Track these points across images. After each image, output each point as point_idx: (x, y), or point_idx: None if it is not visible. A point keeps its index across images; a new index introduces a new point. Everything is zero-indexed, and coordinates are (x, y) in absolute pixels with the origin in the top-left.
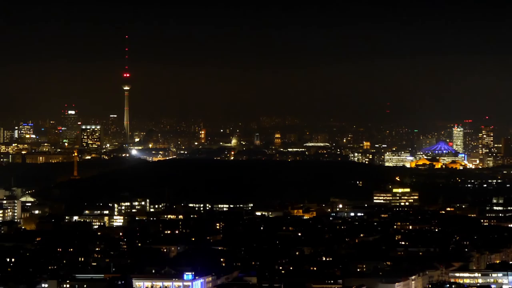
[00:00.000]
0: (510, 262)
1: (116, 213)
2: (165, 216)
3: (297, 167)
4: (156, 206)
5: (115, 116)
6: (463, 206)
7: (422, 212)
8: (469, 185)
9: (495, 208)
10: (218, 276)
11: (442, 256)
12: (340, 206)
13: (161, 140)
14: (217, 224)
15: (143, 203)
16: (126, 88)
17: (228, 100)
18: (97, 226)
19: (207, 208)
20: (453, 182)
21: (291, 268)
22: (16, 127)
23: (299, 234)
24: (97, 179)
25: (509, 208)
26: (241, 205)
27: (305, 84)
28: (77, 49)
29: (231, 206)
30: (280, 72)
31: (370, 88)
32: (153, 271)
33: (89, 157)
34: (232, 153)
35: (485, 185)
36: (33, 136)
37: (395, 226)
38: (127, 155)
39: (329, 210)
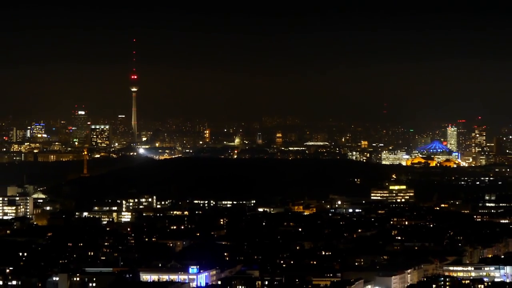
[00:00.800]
0: (502, 256)
1: (124, 209)
2: (171, 212)
3: (298, 165)
4: (163, 202)
5: (123, 116)
6: (457, 203)
7: (417, 209)
8: (462, 183)
9: (487, 204)
10: (222, 270)
11: (436, 251)
12: (339, 202)
13: (167, 139)
14: (221, 220)
15: (150, 199)
16: (134, 89)
17: (231, 101)
18: (106, 222)
19: (211, 204)
20: (447, 179)
21: (292, 262)
22: (29, 127)
23: (300, 229)
24: (106, 177)
25: (501, 204)
26: (244, 202)
27: (305, 86)
28: (87, 52)
29: (234, 202)
30: (281, 75)
31: (367, 90)
32: (160, 265)
33: (98, 156)
34: (236, 151)
35: (477, 183)
36: (45, 135)
37: (391, 222)
38: (135, 153)
39: (328, 206)
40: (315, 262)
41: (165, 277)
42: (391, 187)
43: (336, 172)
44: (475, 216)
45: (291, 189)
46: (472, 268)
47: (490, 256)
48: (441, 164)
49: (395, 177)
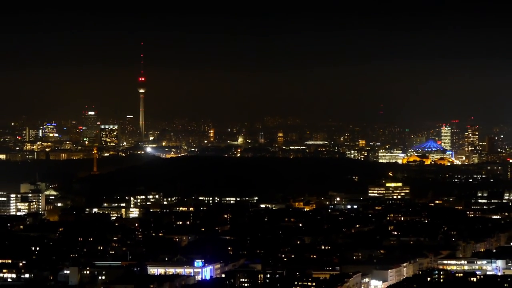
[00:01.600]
0: (494, 251)
1: (132, 205)
2: (177, 208)
3: (298, 163)
4: (169, 199)
5: (131, 116)
6: (451, 199)
7: (412, 205)
8: (456, 180)
9: (479, 201)
10: (225, 264)
11: (431, 245)
12: (338, 199)
13: (173, 138)
14: (225, 216)
15: (157, 196)
16: (142, 91)
17: (235, 102)
18: (114, 218)
19: (216, 201)
20: (441, 177)
21: (292, 256)
22: (41, 127)
23: (300, 224)
24: (115, 175)
25: (492, 201)
26: (247, 198)
27: (306, 87)
28: (97, 55)
29: (238, 199)
30: (282, 76)
31: (365, 91)
32: (166, 259)
33: (107, 154)
34: (239, 150)
35: (470, 180)
36: (56, 135)
37: (388, 218)
38: (142, 152)
39: (327, 202)
40: (315, 256)
41: (171, 271)
42: (387, 184)
43: (335, 170)
44: (468, 212)
45: (292, 186)
46: (465, 262)
47: (482, 250)
48: (435, 162)
49: (391, 174)
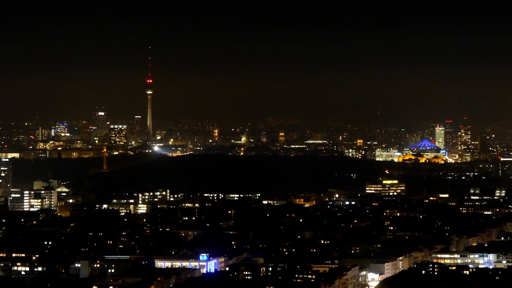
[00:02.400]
0: (486, 245)
1: (140, 201)
2: (183, 205)
3: (299, 161)
4: (175, 195)
5: (139, 117)
6: (444, 196)
7: (408, 201)
8: (449, 178)
9: (472, 197)
10: (229, 257)
11: (425, 240)
12: (337, 195)
13: (179, 138)
14: (229, 212)
15: (164, 193)
16: (149, 92)
17: (238, 103)
18: (123, 213)
19: (220, 197)
20: (435, 174)
21: (293, 250)
22: (53, 127)
23: (301, 220)
24: (124, 172)
25: (484, 197)
26: (250, 195)
27: (306, 89)
28: (107, 58)
29: (241, 195)
30: (284, 79)
31: (363, 93)
32: (173, 253)
33: (116, 153)
34: (242, 149)
35: (463, 177)
36: (68, 134)
37: (384, 213)
38: (150, 151)
39: (327, 199)
40: (314, 250)
41: (177, 264)
42: (384, 182)
43: (334, 168)
44: (461, 208)
45: (293, 183)
46: (458, 256)
47: (474, 244)
48: (430, 160)
49: (388, 172)
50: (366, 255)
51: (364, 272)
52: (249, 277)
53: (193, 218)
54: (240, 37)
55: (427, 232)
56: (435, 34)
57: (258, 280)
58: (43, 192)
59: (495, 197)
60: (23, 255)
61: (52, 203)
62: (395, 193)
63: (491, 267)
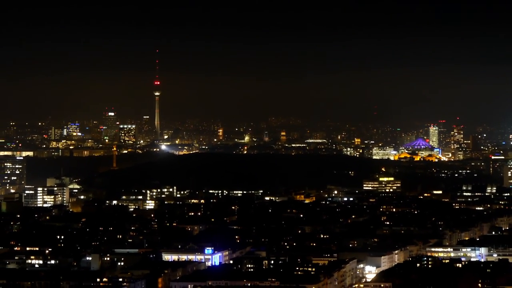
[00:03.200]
0: (477, 239)
1: (148, 198)
2: (189, 201)
3: (299, 159)
4: (182, 192)
5: (148, 117)
6: (438, 192)
7: (403, 197)
8: (442, 175)
9: (464, 194)
10: (233, 251)
11: (420, 234)
12: (335, 192)
13: (186, 137)
14: (233, 207)
15: (171, 189)
16: (157, 94)
17: (242, 104)
18: (132, 209)
19: (224, 194)
20: (429, 172)
21: (294, 244)
22: (65, 126)
23: (301, 215)
24: (132, 170)
25: (476, 194)
26: (253, 191)
27: (306, 91)
28: (116, 61)
29: (244, 192)
30: (285, 81)
31: (360, 94)
32: (179, 246)
33: (125, 152)
34: (245, 148)
35: (456, 175)
36: (79, 134)
37: (381, 209)
38: (158, 149)
39: (326, 195)
40: (314, 244)
41: (184, 257)
42: (380, 179)
43: (332, 166)
44: (453, 204)
45: (294, 180)
46: (451, 249)
47: (467, 238)
48: (424, 158)
49: (384, 170)
50: (363, 249)
51: (361, 265)
52: (252, 270)
53: (199, 214)
54: (244, 41)
55: (421, 227)
56: (429, 37)
57: (260, 272)
58: (55, 188)
59: (486, 194)
60: (37, 248)
61: (64, 199)
62: (391, 190)
63: (482, 260)
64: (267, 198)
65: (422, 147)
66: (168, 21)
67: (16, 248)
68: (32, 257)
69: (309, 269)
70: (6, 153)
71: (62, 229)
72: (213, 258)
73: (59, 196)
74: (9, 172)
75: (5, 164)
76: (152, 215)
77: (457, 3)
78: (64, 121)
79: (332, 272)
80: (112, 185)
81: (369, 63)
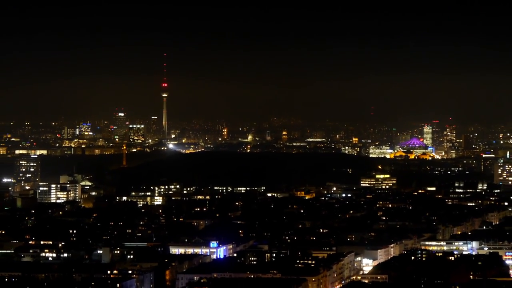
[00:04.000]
0: (469, 233)
1: (156, 194)
2: (195, 197)
3: (300, 158)
4: (188, 188)
5: (156, 117)
6: (432, 189)
7: (399, 194)
8: (436, 172)
9: (457, 190)
10: (237, 244)
11: (414, 229)
12: (334, 188)
13: (192, 136)
14: (236, 203)
15: (177, 186)
16: (164, 95)
17: (245, 105)
18: (141, 205)
19: (229, 190)
20: (423, 169)
21: (295, 238)
22: (77, 126)
23: (302, 211)
24: (141, 168)
25: (468, 190)
26: (255, 188)
27: (307, 93)
28: (126, 65)
29: (248, 188)
30: (287, 84)
31: (358, 96)
32: (186, 240)
33: (135, 150)
34: (249, 146)
35: (449, 172)
36: (91, 133)
37: (377, 205)
38: (165, 148)
39: (325, 192)
40: (314, 238)
41: (190, 250)
42: (377, 176)
43: (331, 164)
44: (446, 200)
45: (294, 177)
46: (444, 243)
47: (459, 233)
48: (418, 157)
49: (380, 167)
50: (361, 243)
51: (359, 258)
52: (255, 262)
53: (204, 209)
54: (247, 46)
55: (416, 222)
56: (424, 44)
57: (263, 265)
58: (68, 185)
59: (477, 190)
60: (50, 242)
61: (77, 195)
62: (387, 187)
63: (474, 253)
64: (269, 195)
65: (417, 146)
66: (175, 27)
67: (30, 242)
68: (46, 250)
69: (309, 261)
70: (21, 151)
71: (75, 224)
72: (218, 251)
73: (71, 192)
74: (24, 169)
75: (21, 162)
76: (160, 211)
77: (455, 12)
78: (76, 121)
79: (331, 265)
80: (122, 182)
81: (367, 68)
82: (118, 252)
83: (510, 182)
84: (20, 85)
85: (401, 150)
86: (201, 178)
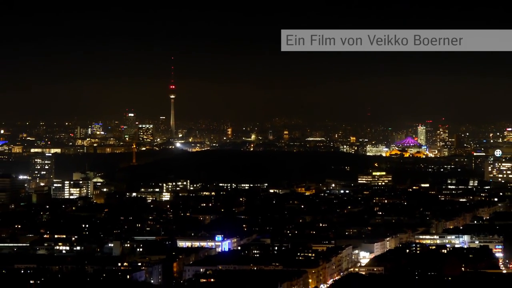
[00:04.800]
0: (461, 227)
1: (164, 190)
2: (201, 193)
3: (300, 156)
4: (195, 185)
5: (164, 117)
6: (425, 185)
7: (394, 190)
8: (429, 170)
9: (449, 187)
10: (241, 238)
11: (409, 223)
12: (333, 185)
13: (198, 135)
14: (240, 199)
15: (184, 183)
16: (172, 96)
17: (248, 106)
18: (150, 200)
19: (233, 186)
20: (417, 167)
21: (296, 232)
22: (89, 126)
23: (302, 206)
24: (150, 165)
25: (460, 186)
26: (258, 185)
27: (307, 95)
28: (136, 68)
29: (251, 185)
30: (288, 86)
31: (356, 97)
32: (192, 234)
33: (144, 149)
34: (252, 145)
35: (442, 170)
36: (102, 132)
37: (374, 200)
38: (173, 147)
39: (324, 188)
40: (314, 232)
41: (196, 244)
42: (373, 173)
43: (330, 162)
44: (439, 196)
45: (295, 174)
46: (437, 237)
47: (451, 227)
48: (413, 155)
49: (377, 165)
50: (358, 236)
51: (356, 251)
52: (258, 255)
53: (210, 205)
54: (250, 51)
55: (410, 217)
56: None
57: (265, 257)
58: (81, 182)
59: (469, 187)
60: (64, 236)
61: (89, 191)
62: (383, 183)
63: (465, 246)
64: (271, 191)
65: (411, 144)
66: (183, 33)
67: (45, 236)
68: (60, 243)
69: (309, 254)
70: (36, 150)
71: (87, 218)
72: (222, 244)
73: (84, 188)
74: (39, 167)
75: (36, 160)
76: (168, 206)
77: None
78: (88, 121)
79: (330, 257)
80: (132, 179)
81: (364, 70)
82: (128, 245)
83: (499, 179)
84: (35, 87)
85: (397, 148)
86: (206, 175)
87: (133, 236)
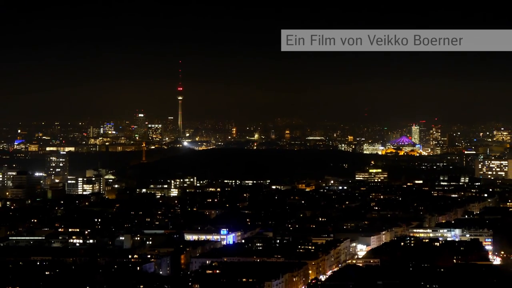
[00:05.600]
0: (452, 222)
1: (172, 186)
2: (207, 189)
3: (301, 154)
4: (201, 181)
5: (172, 118)
6: (419, 182)
7: (390, 186)
8: (423, 167)
9: (441, 183)
10: (245, 231)
11: (404, 217)
12: (332, 182)
13: (204, 135)
14: (244, 195)
15: (191, 179)
16: (180, 98)
17: (252, 106)
18: (159, 196)
19: (237, 183)
20: (412, 164)
21: (297, 226)
22: (102, 126)
23: (303, 201)
24: (159, 163)
25: (451, 183)
26: (261, 181)
27: (307, 96)
28: (146, 71)
29: (254, 182)
30: (289, 88)
31: (354, 98)
32: (199, 228)
33: (153, 147)
34: (255, 144)
35: (434, 167)
36: (114, 132)
37: (370, 196)
38: (180, 145)
39: (323, 184)
40: (314, 226)
41: (203, 237)
42: (370, 170)
43: (329, 159)
44: (432, 192)
45: (296, 172)
46: (430, 230)
47: (443, 221)
48: (407, 153)
49: (373, 163)
50: (355, 230)
51: (354, 244)
52: (261, 248)
53: (215, 200)
54: (254, 54)
55: (405, 211)
56: (412, 53)
57: (268, 250)
58: (93, 179)
59: (460, 183)
60: (78, 230)
61: (101, 187)
62: (379, 180)
63: (457, 240)
64: (273, 187)
65: (406, 143)
66: (190, 37)
67: (60, 230)
68: (74, 237)
69: (310, 247)
70: (51, 148)
71: (99, 213)
72: (227, 238)
73: (96, 185)
74: (54, 164)
75: (51, 158)
76: (176, 201)
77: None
78: (101, 121)
79: (329, 250)
80: (142, 176)
81: (361, 72)
82: (138, 238)
83: (489, 176)
84: (50, 89)
85: (392, 147)
86: (212, 172)
87: (143, 230)
